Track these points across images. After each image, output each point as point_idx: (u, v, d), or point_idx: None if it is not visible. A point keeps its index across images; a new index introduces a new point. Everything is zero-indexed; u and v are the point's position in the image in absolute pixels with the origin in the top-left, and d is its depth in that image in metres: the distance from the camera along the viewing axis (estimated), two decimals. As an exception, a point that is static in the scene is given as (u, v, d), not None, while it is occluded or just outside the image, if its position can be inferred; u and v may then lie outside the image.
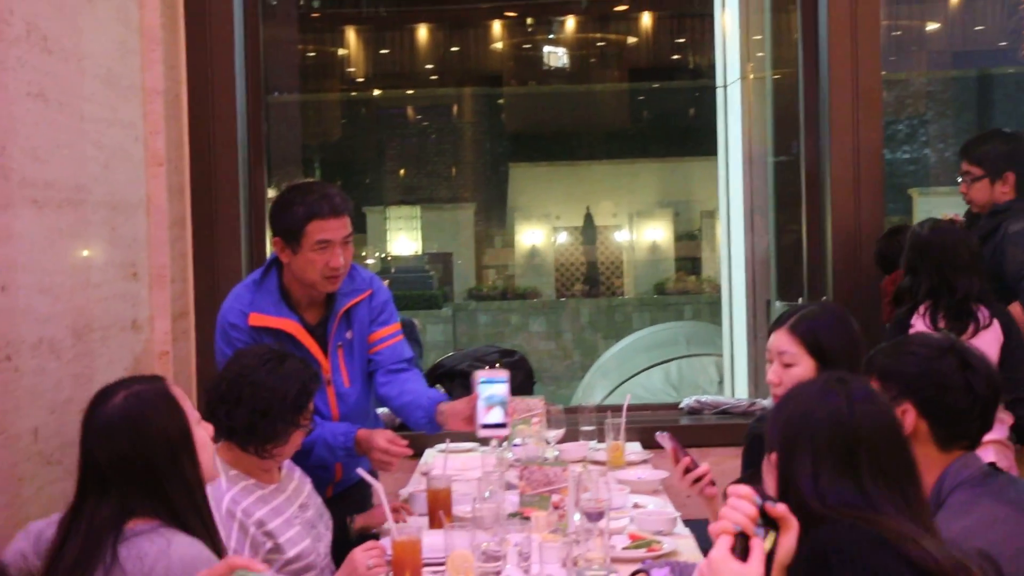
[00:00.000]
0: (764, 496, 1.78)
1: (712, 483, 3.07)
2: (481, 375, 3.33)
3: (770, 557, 1.73)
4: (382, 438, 3.30)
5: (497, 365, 5.11)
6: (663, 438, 3.15)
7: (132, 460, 2.30)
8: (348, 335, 3.47)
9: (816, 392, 1.95)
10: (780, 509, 1.75)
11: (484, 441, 3.72)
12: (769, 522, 1.74)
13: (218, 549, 2.35)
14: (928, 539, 1.76)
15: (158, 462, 2.31)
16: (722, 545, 1.73)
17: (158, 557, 2.22)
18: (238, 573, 1.85)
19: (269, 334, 3.32)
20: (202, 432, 2.43)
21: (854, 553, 1.71)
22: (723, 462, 3.82)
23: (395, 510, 3.24)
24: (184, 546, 2.25)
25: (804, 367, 2.89)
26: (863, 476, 1.83)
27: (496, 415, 3.25)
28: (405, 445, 3.32)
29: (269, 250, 4.96)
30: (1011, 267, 4.12)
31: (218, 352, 3.47)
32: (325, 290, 3.38)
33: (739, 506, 1.74)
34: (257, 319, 3.32)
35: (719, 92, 6.80)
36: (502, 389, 3.29)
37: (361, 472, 3.07)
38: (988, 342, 3.76)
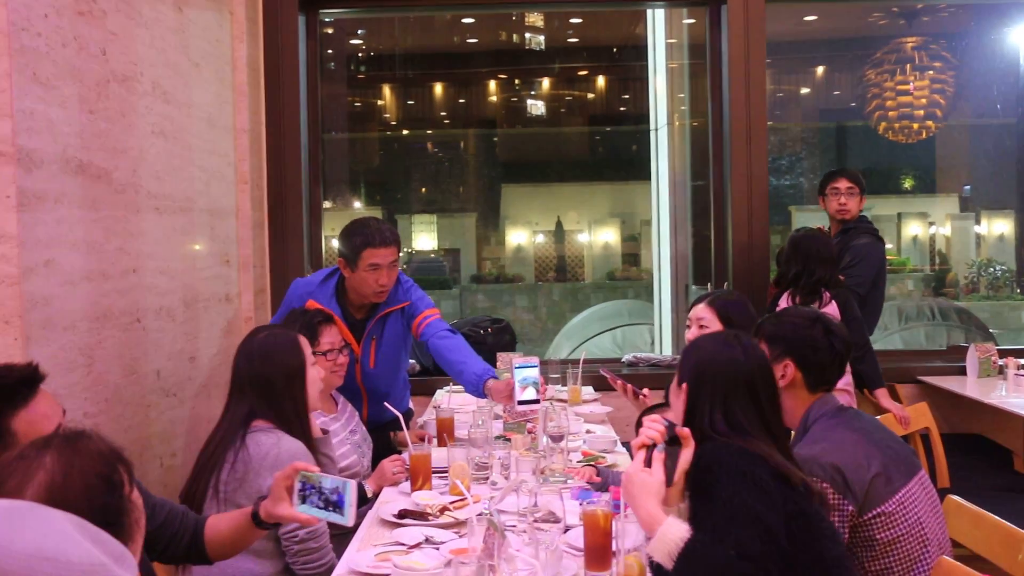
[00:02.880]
0: (670, 423, 1.82)
1: (644, 394, 3.20)
2: (517, 360, 3.06)
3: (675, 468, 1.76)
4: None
5: (489, 330, 5.12)
6: (605, 371, 3.40)
7: (261, 377, 2.41)
8: (381, 331, 3.39)
9: (720, 343, 1.95)
10: (684, 431, 1.79)
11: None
12: (674, 441, 1.79)
13: (313, 453, 2.45)
14: (779, 456, 1.78)
15: (277, 383, 2.42)
16: (637, 460, 1.78)
17: (271, 446, 2.33)
18: (301, 474, 1.91)
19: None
20: (314, 372, 2.51)
21: (728, 461, 1.74)
22: (651, 399, 3.85)
23: (420, 437, 3.27)
24: (290, 441, 2.36)
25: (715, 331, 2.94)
26: (750, 406, 1.84)
27: (530, 393, 3.00)
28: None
29: (324, 246, 4.99)
30: (856, 271, 4.18)
31: (283, 305, 3.53)
32: (374, 301, 3.33)
33: (652, 426, 1.80)
34: (312, 304, 3.29)
35: (652, 134, 6.77)
36: (534, 372, 3.00)
37: (388, 406, 3.08)
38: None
